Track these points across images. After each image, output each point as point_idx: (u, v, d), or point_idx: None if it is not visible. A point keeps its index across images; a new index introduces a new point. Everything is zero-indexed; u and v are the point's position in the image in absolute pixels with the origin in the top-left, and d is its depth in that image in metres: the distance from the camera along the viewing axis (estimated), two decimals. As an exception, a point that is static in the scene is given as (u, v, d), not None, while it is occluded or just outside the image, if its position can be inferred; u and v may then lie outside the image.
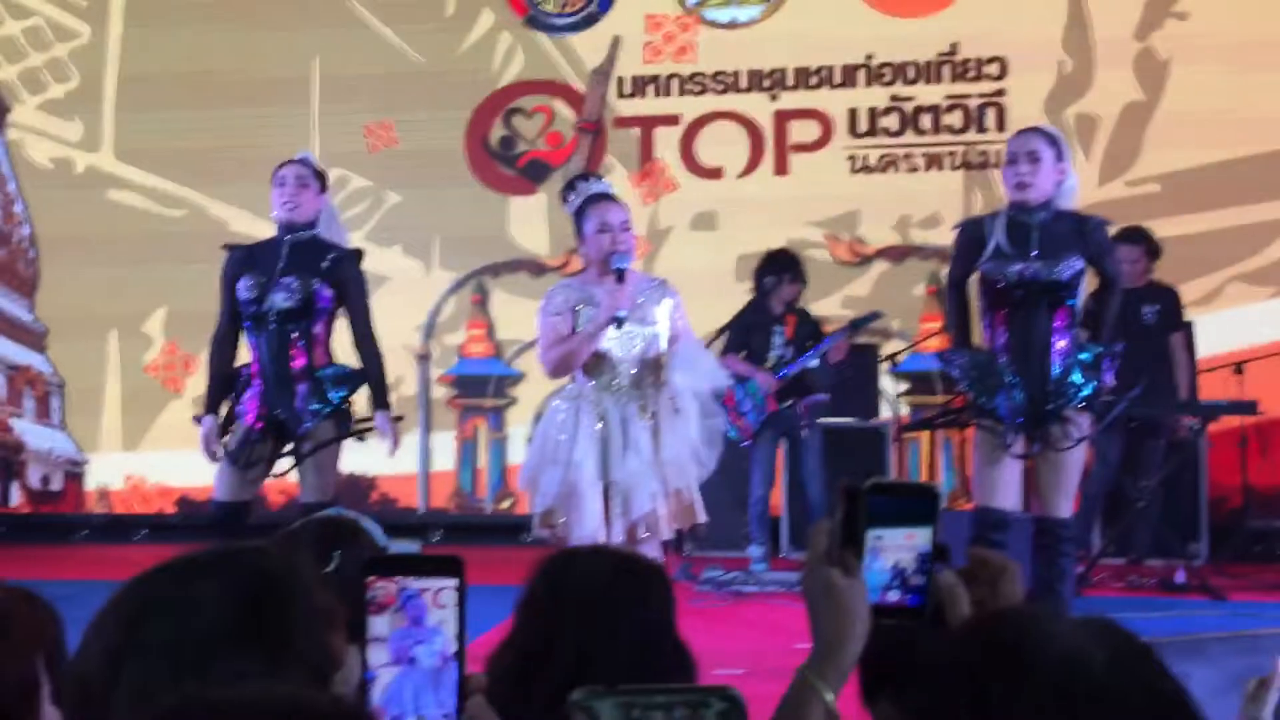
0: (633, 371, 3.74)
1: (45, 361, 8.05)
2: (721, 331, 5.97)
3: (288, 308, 4.02)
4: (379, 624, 0.91)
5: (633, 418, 3.69)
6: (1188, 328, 6.07)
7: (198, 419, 4.24)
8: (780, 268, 6.13)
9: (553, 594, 1.56)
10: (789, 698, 1.11)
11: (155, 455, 7.72)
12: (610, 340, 3.72)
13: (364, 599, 0.91)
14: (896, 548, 1.09)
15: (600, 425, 3.71)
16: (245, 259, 4.11)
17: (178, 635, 1.00)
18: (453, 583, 0.92)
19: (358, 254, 4.23)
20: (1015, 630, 0.92)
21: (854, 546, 1.09)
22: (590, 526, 3.65)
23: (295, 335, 4.05)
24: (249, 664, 0.95)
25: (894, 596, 1.09)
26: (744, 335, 6.10)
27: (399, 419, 4.27)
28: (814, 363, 5.96)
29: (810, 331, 6.11)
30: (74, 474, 7.95)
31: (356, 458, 7.34)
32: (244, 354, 4.19)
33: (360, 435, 4.21)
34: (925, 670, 0.94)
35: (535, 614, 1.56)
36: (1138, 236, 5.93)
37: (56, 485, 7.97)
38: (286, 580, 1.03)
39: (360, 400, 4.23)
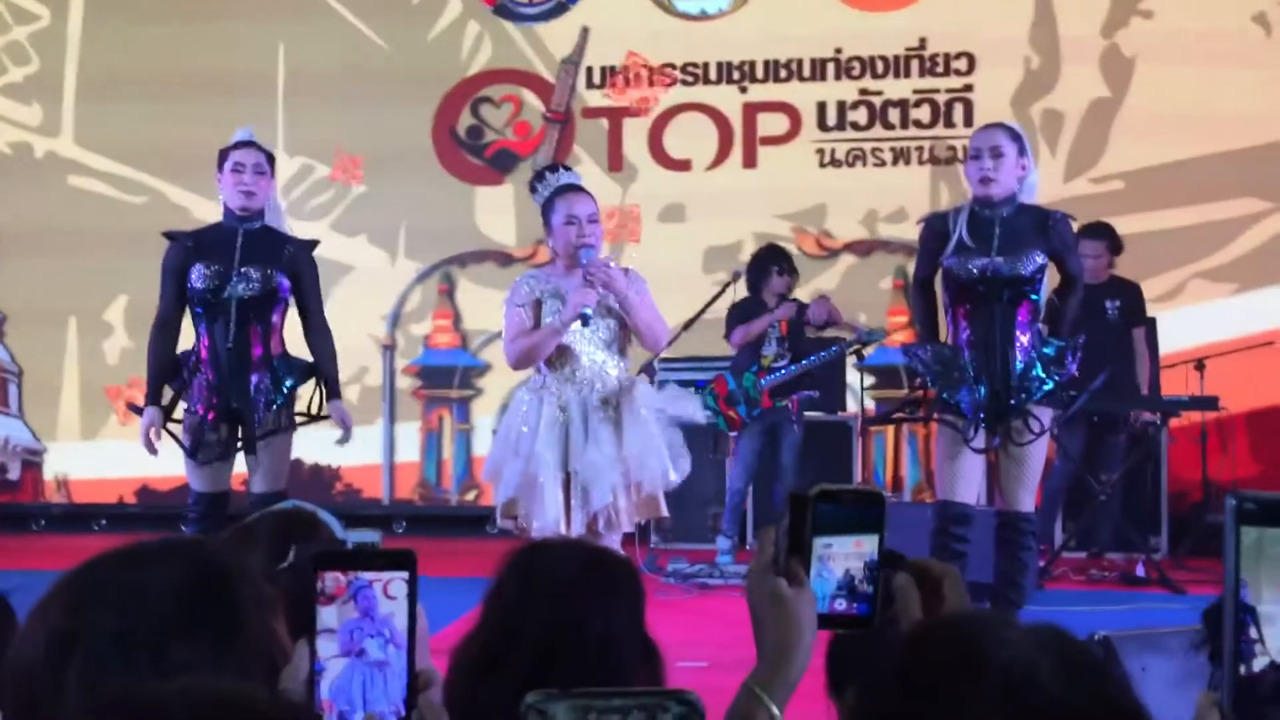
0: (596, 363, 3.73)
1: (2, 349, 7.94)
2: (690, 323, 5.97)
3: (249, 296, 4.00)
4: (328, 615, 0.89)
5: (594, 409, 3.69)
6: (1150, 323, 6.13)
7: (134, 408, 4.20)
8: (768, 260, 6.19)
9: (521, 586, 1.55)
10: (734, 710, 1.10)
11: (115, 444, 7.63)
12: (573, 333, 3.71)
13: (314, 590, 0.90)
14: (845, 555, 1.08)
15: (562, 416, 3.71)
16: (194, 247, 4.06)
17: (127, 623, 0.98)
18: (404, 575, 0.90)
19: (313, 244, 4.24)
20: (968, 634, 0.92)
21: (801, 555, 1.08)
22: (550, 517, 3.65)
23: (254, 324, 4.03)
24: (199, 651, 0.93)
25: (842, 605, 1.09)
26: (743, 321, 6.12)
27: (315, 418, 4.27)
28: (796, 372, 6.02)
29: (802, 329, 6.17)
30: (32, 463, 7.84)
31: (320, 449, 7.33)
32: (184, 342, 4.15)
33: (315, 419, 4.20)
34: (882, 669, 0.94)
35: (502, 605, 1.54)
36: (1101, 232, 5.98)
37: (14, 474, 7.87)
38: (231, 569, 1.01)
39: (306, 390, 4.21)
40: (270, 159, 4.15)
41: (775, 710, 1.09)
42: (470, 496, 7.61)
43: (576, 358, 3.74)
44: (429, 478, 7.66)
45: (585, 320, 3.64)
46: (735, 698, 1.11)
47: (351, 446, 4.33)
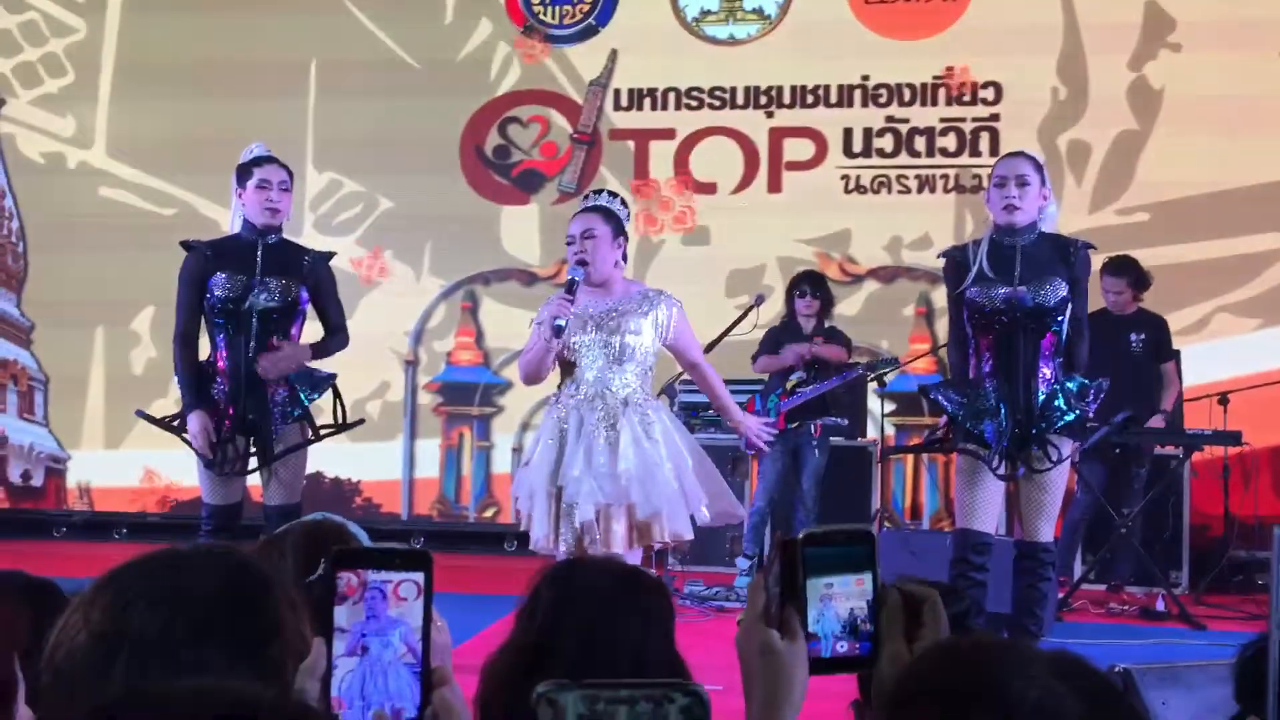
0: (600, 380, 3.75)
1: (30, 357, 8.01)
2: (710, 347, 5.98)
3: (270, 308, 4.02)
4: (339, 615, 0.90)
5: (593, 426, 3.71)
6: (1175, 355, 6.09)
7: (142, 414, 4.21)
8: (792, 285, 6.29)
9: (555, 601, 1.56)
10: None
11: (138, 453, 7.68)
12: (577, 349, 3.76)
13: (333, 590, 0.91)
14: (848, 595, 1.07)
15: (561, 431, 3.74)
16: (214, 257, 4.08)
17: (171, 625, 1.00)
18: (417, 576, 0.91)
19: (330, 255, 4.29)
20: (995, 664, 0.90)
21: (795, 603, 1.06)
22: (540, 531, 3.69)
23: (274, 336, 4.05)
24: (238, 654, 0.94)
25: (844, 647, 1.07)
26: (774, 350, 6.19)
27: (359, 423, 4.32)
28: (822, 390, 6.05)
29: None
30: (55, 470, 7.90)
31: (340, 463, 7.37)
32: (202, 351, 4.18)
33: (344, 429, 4.22)
34: (902, 692, 0.92)
35: (538, 619, 1.56)
36: (1123, 268, 5.95)
37: (38, 481, 7.93)
38: (268, 574, 1.02)
39: (325, 402, 4.24)
40: (291, 175, 4.19)
41: None
42: (489, 514, 7.62)
43: (580, 374, 3.77)
44: (448, 494, 7.68)
45: (558, 331, 3.67)
46: None
47: (372, 461, 4.36)
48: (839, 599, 1.06)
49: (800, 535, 1.07)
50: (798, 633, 1.06)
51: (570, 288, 3.70)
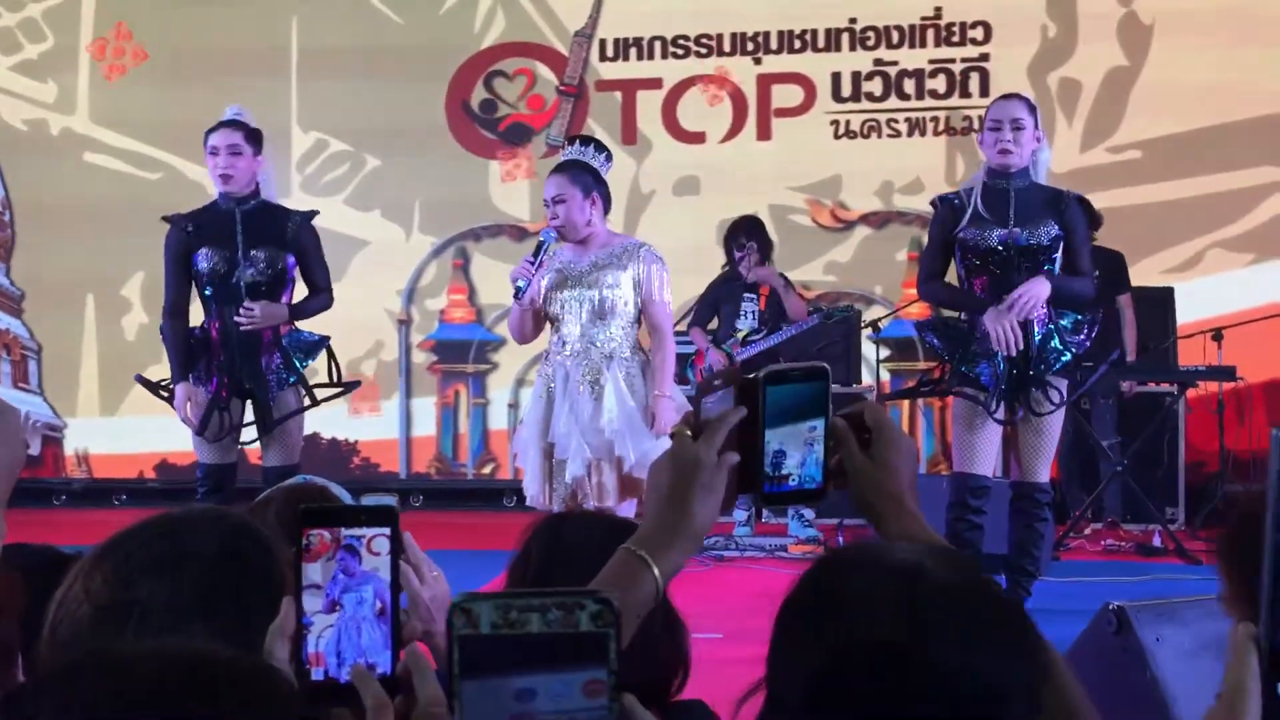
0: (583, 336, 3.77)
1: (22, 326, 7.99)
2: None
3: (257, 281, 4.02)
4: (312, 571, 0.90)
5: (577, 381, 3.73)
6: (1130, 290, 6.06)
7: (141, 380, 4.22)
8: (734, 232, 6.02)
9: (545, 556, 1.56)
10: (607, 573, 1.03)
11: (134, 420, 7.68)
12: (559, 305, 3.78)
13: (299, 547, 0.91)
14: (813, 439, 1.08)
15: (549, 388, 3.77)
16: (194, 231, 4.07)
17: (178, 592, 1.00)
18: (386, 530, 0.91)
19: (313, 214, 4.25)
20: (866, 547, 0.99)
21: (752, 440, 1.06)
22: (533, 488, 3.73)
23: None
24: (243, 616, 0.94)
25: (794, 483, 1.08)
26: (712, 308, 6.05)
27: (355, 384, 4.35)
28: (777, 340, 5.90)
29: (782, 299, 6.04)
30: (52, 439, 7.90)
31: (337, 424, 7.37)
32: (195, 317, 4.18)
33: (342, 392, 4.25)
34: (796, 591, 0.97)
35: (526, 576, 1.56)
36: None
37: (35, 450, 7.93)
38: (265, 535, 1.03)
39: (320, 365, 4.25)
40: (251, 135, 4.10)
41: (657, 571, 1.02)
42: (486, 470, 7.64)
43: (565, 330, 3.80)
44: (445, 452, 7.70)
45: (518, 294, 3.72)
46: (608, 563, 1.04)
47: (368, 421, 4.37)
48: (820, 441, 1.08)
49: (761, 374, 1.07)
50: (715, 444, 1.05)
51: (537, 250, 3.73)
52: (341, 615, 0.90)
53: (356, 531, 0.91)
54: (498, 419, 7.55)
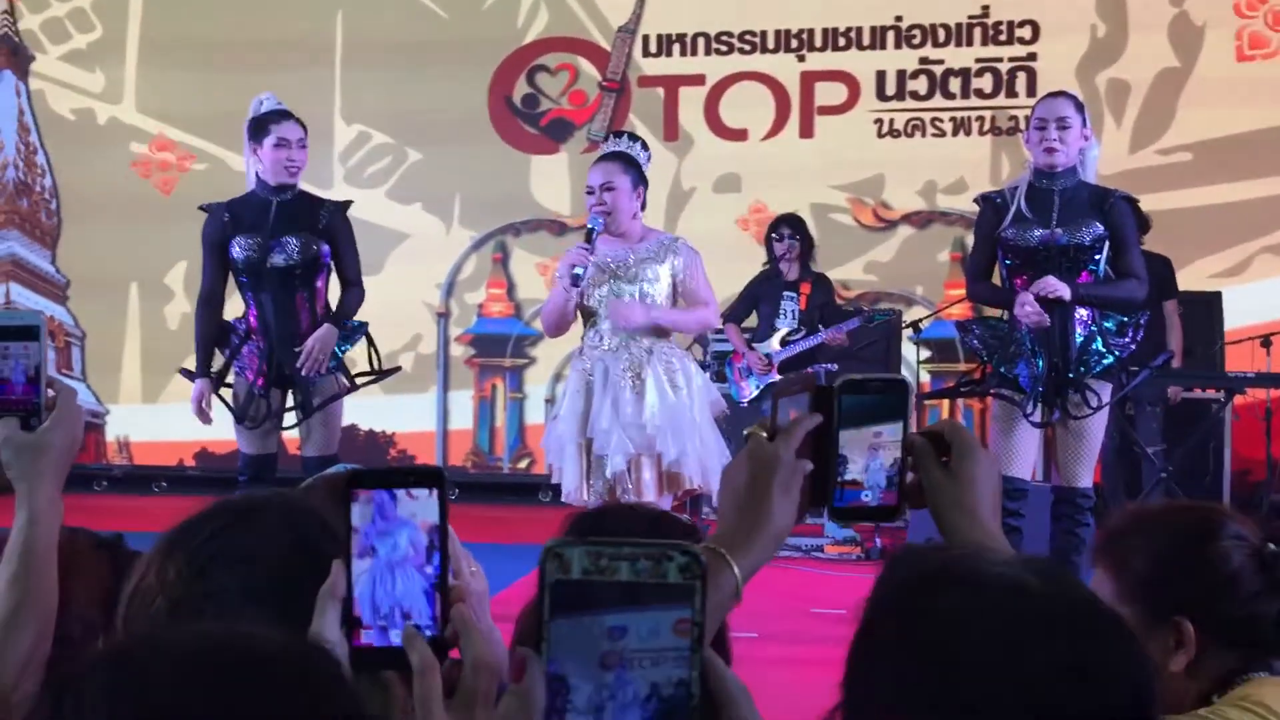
0: (619, 329, 3.73)
1: (66, 313, 8.08)
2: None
3: (291, 266, 4.03)
4: (354, 513, 0.90)
5: (618, 376, 3.70)
6: (1179, 296, 5.96)
7: (185, 372, 4.26)
8: (776, 226, 6.00)
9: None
10: None
11: (175, 408, 7.75)
12: (597, 298, 3.74)
13: (347, 510, 0.91)
14: (896, 444, 1.06)
15: (587, 383, 3.73)
16: (232, 220, 4.09)
17: (252, 581, 1.00)
18: (430, 491, 0.91)
19: (347, 204, 4.25)
20: (958, 556, 0.93)
21: (826, 451, 1.04)
22: (571, 484, 3.71)
23: (300, 292, 4.07)
24: (311, 601, 0.94)
25: (874, 498, 1.06)
26: (749, 304, 6.01)
27: (395, 370, 4.36)
28: (816, 341, 5.87)
29: (824, 298, 6.00)
30: (94, 425, 7.99)
31: (374, 415, 7.40)
32: (232, 310, 4.21)
33: (381, 377, 4.26)
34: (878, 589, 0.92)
35: None
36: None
37: (77, 436, 8.03)
38: (330, 522, 1.02)
39: (359, 353, 4.26)
40: (305, 129, 4.15)
41: (738, 571, 1.00)
42: (523, 464, 7.65)
43: (602, 324, 3.77)
44: (482, 445, 7.71)
45: (575, 280, 3.64)
46: None
47: (405, 413, 4.39)
48: (886, 449, 1.06)
49: (838, 382, 1.05)
50: (790, 445, 1.03)
51: (589, 237, 3.68)
52: (375, 561, 0.89)
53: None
54: (535, 413, 7.55)
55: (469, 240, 7.69)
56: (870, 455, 1.05)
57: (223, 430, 4.63)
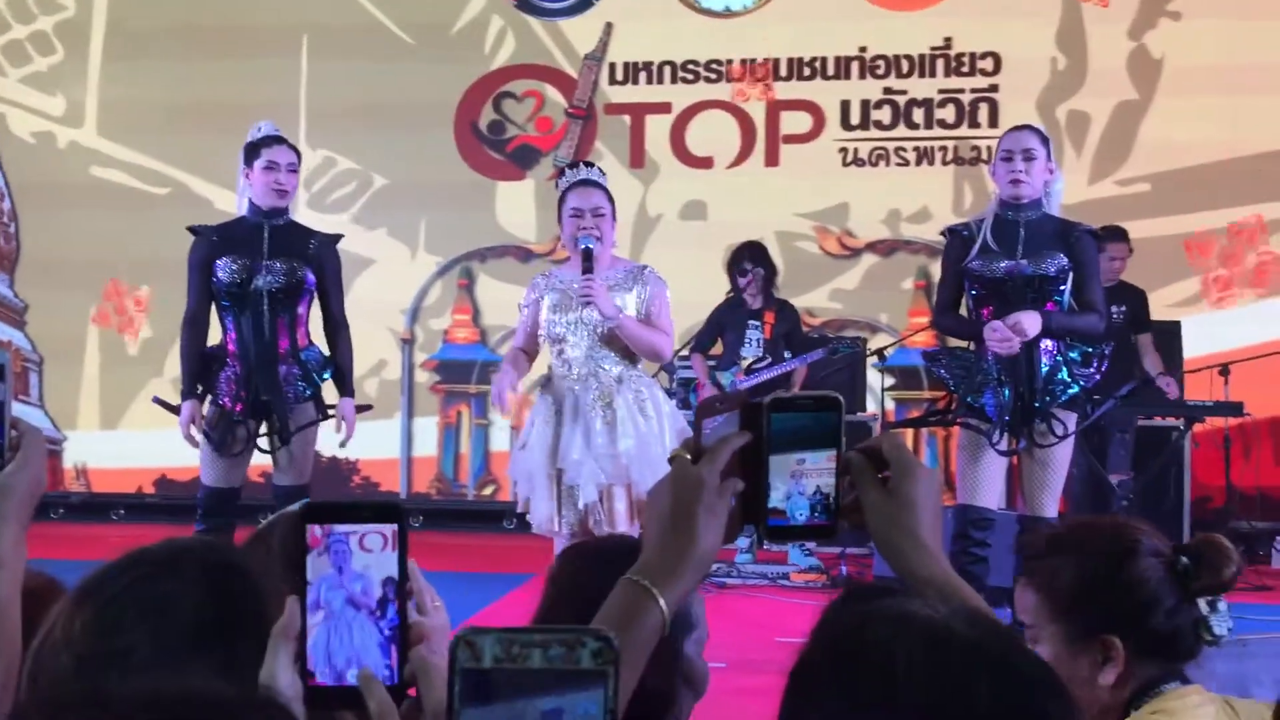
0: (591, 359, 3.72)
1: (24, 338, 7.97)
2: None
3: (274, 289, 4.01)
4: (308, 566, 0.89)
5: (589, 405, 3.68)
6: (1151, 329, 6.03)
7: (159, 402, 4.20)
8: (739, 258, 5.96)
9: (575, 589, 1.52)
10: (611, 606, 0.98)
11: (134, 434, 7.66)
12: (568, 327, 3.72)
13: (304, 546, 0.89)
14: (819, 471, 1.03)
15: (556, 412, 3.71)
16: (220, 241, 4.07)
17: (162, 637, 0.96)
18: (386, 528, 0.89)
19: (337, 238, 4.24)
20: (889, 599, 0.91)
21: (754, 470, 1.02)
22: (542, 515, 3.67)
23: (281, 317, 4.04)
24: (232, 656, 0.91)
25: (803, 517, 1.03)
26: (714, 332, 6.00)
27: (365, 408, 4.31)
28: (781, 371, 5.85)
29: (789, 327, 5.99)
30: (52, 451, 7.87)
31: (337, 442, 7.33)
32: (213, 335, 4.17)
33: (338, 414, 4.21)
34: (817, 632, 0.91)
35: (558, 612, 1.51)
36: (1123, 234, 5.94)
37: (34, 463, 7.90)
38: (251, 568, 0.99)
39: (329, 384, 4.22)
40: (299, 155, 4.16)
41: (663, 603, 0.97)
42: (487, 491, 7.60)
43: (569, 353, 3.74)
44: (446, 472, 7.66)
45: (587, 254, 3.63)
46: (611, 594, 0.99)
47: (369, 440, 4.35)
48: (810, 475, 1.02)
49: (767, 399, 1.02)
50: (728, 495, 1.00)
51: (588, 257, 3.64)
52: (329, 614, 0.88)
53: (349, 528, 0.89)
54: (500, 440, 7.51)
55: (434, 266, 7.67)
56: (793, 483, 1.02)
57: (182, 457, 4.57)
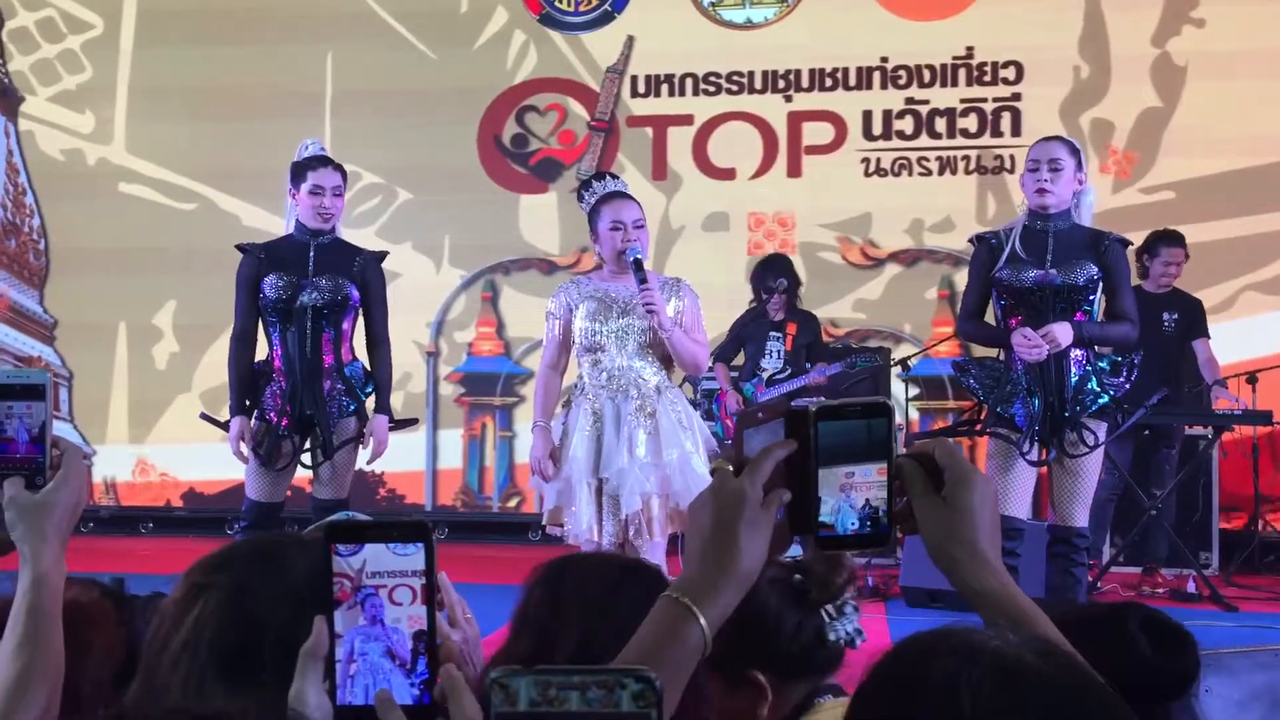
0: (631, 369, 3.72)
1: (53, 353, 8.05)
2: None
3: (320, 305, 4.04)
4: (337, 619, 0.89)
5: (629, 416, 3.68)
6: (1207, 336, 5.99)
7: (206, 417, 4.24)
8: (754, 277, 6.04)
9: (552, 599, 1.51)
10: (651, 624, 0.96)
11: (162, 448, 7.72)
12: (607, 338, 3.72)
13: (329, 568, 0.89)
14: (869, 484, 0.99)
15: (596, 422, 3.70)
16: (267, 259, 4.11)
17: (235, 642, 0.98)
18: (415, 563, 0.88)
19: (382, 255, 4.28)
20: (954, 632, 0.88)
21: (804, 488, 0.98)
22: (583, 524, 3.66)
23: (326, 332, 4.07)
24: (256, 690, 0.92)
25: (852, 527, 1.00)
26: (737, 344, 6.04)
27: (400, 424, 4.33)
28: (801, 383, 5.87)
29: (810, 338, 6.02)
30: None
31: (365, 455, 7.36)
32: (260, 351, 4.21)
33: (398, 427, 4.28)
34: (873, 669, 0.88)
35: (533, 619, 1.51)
36: (1179, 238, 5.83)
37: (63, 477, 7.97)
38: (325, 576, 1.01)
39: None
40: (345, 176, 4.17)
41: (704, 621, 0.94)
42: (512, 503, 7.62)
43: (608, 361, 3.74)
44: (471, 484, 7.68)
45: (639, 264, 3.67)
46: (651, 612, 0.96)
47: (395, 453, 4.36)
48: (859, 489, 0.99)
49: (814, 407, 0.99)
50: (757, 480, 0.97)
51: (639, 266, 3.67)
52: (362, 663, 0.89)
53: (379, 581, 0.88)
54: (524, 452, 7.50)
55: (459, 279, 7.70)
56: (841, 496, 0.99)
57: (210, 471, 4.61)
